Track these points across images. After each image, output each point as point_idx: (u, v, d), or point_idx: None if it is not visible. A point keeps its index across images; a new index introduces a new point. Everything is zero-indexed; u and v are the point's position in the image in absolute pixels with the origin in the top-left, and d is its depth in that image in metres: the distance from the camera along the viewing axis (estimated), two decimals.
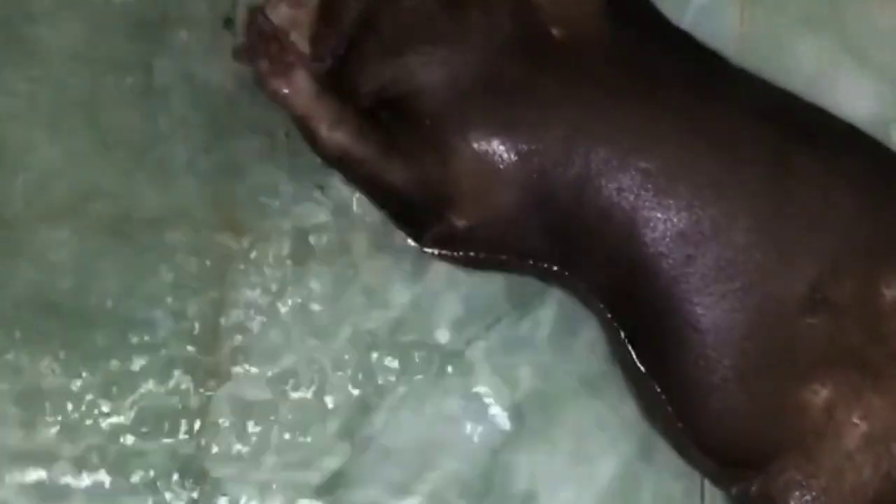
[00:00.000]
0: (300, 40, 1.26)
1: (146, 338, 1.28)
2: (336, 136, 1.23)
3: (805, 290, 1.18)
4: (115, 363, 1.27)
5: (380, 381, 1.29)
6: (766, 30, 1.36)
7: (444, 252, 1.28)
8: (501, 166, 1.21)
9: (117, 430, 1.26)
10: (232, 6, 1.34)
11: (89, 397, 1.27)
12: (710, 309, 1.18)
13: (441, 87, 1.22)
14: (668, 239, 1.19)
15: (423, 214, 1.25)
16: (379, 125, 1.24)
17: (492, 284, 1.30)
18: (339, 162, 1.25)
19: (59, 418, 1.26)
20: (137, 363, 1.28)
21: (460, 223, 1.23)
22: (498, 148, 1.21)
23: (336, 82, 1.25)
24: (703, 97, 1.24)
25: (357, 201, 1.31)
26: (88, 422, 1.26)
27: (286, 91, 1.24)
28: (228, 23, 1.33)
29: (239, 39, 1.29)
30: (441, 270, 1.30)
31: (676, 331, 1.19)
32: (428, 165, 1.22)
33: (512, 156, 1.21)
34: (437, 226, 1.24)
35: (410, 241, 1.29)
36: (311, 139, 1.25)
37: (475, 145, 1.21)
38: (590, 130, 1.20)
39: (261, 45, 1.25)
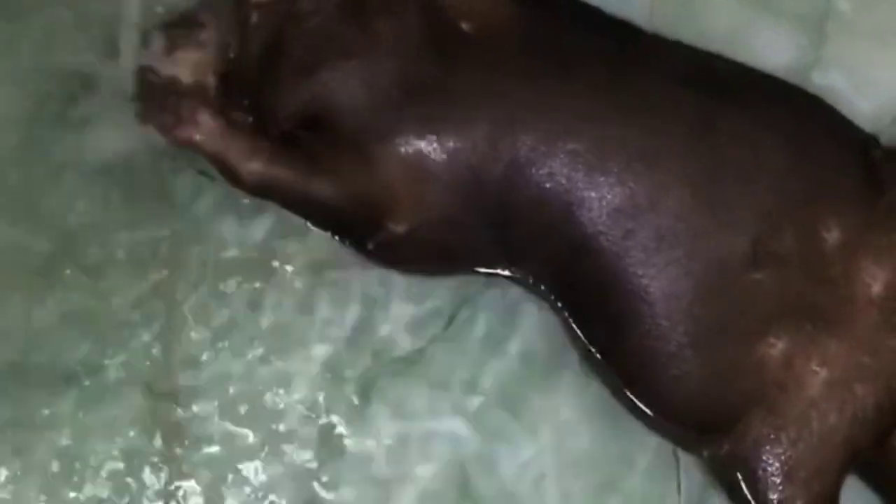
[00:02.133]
0: (210, 81, 1.27)
1: None
2: (253, 166, 1.23)
3: (747, 246, 1.18)
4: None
5: (342, 395, 1.29)
6: None
7: (388, 260, 1.28)
8: (432, 168, 1.21)
9: None
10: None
11: None
12: (657, 279, 1.18)
13: (360, 99, 1.22)
14: (605, 216, 1.19)
15: (361, 226, 1.25)
16: (299, 147, 1.23)
17: (438, 285, 1.30)
18: (265, 191, 1.25)
19: None
20: None
21: (399, 229, 1.23)
22: (425, 150, 1.21)
23: (254, 113, 1.26)
24: (621, 70, 1.24)
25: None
26: None
27: (194, 136, 1.23)
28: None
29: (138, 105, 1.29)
30: (385, 277, 1.31)
31: (626, 306, 1.19)
32: (358, 177, 1.22)
33: (440, 156, 1.21)
34: (377, 235, 1.24)
35: (354, 254, 1.29)
36: (230, 176, 1.25)
37: (402, 150, 1.21)
38: (513, 120, 1.20)
39: (157, 100, 1.25)
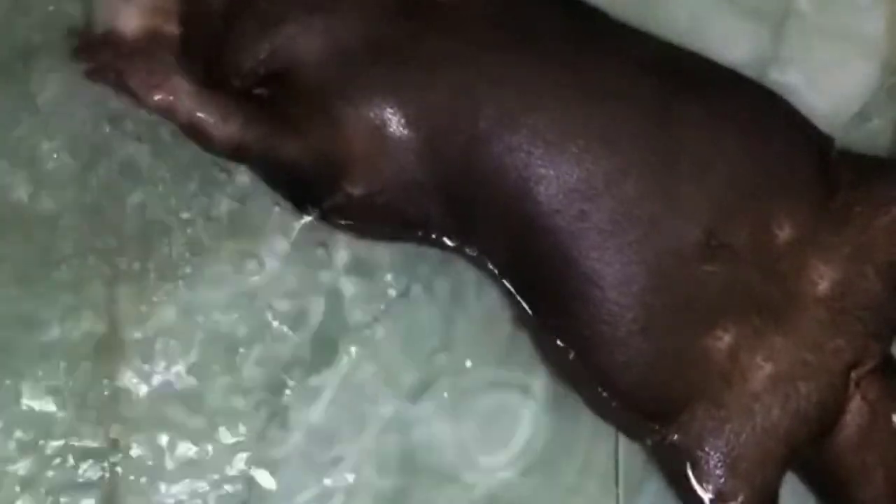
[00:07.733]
0: (171, 30, 1.23)
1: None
2: (228, 129, 1.20)
3: (700, 237, 1.18)
4: None
5: (290, 371, 1.27)
6: None
7: (341, 223, 1.26)
8: (392, 131, 1.19)
9: None
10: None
11: None
12: (609, 264, 1.18)
13: (322, 55, 1.20)
14: (561, 195, 1.18)
15: (318, 186, 1.22)
16: (264, 103, 1.21)
17: (388, 257, 1.29)
18: (236, 152, 1.22)
19: None
20: None
21: (356, 191, 1.21)
22: (386, 112, 1.19)
23: (216, 65, 1.22)
24: (584, 51, 1.23)
25: None
26: None
27: (169, 100, 1.19)
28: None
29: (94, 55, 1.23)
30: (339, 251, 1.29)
31: (577, 288, 1.18)
32: (319, 134, 1.20)
33: (401, 120, 1.19)
34: (333, 196, 1.22)
35: (307, 216, 1.27)
36: (203, 140, 1.21)
37: (363, 111, 1.19)
38: (475, 90, 1.19)
39: (123, 61, 1.21)
